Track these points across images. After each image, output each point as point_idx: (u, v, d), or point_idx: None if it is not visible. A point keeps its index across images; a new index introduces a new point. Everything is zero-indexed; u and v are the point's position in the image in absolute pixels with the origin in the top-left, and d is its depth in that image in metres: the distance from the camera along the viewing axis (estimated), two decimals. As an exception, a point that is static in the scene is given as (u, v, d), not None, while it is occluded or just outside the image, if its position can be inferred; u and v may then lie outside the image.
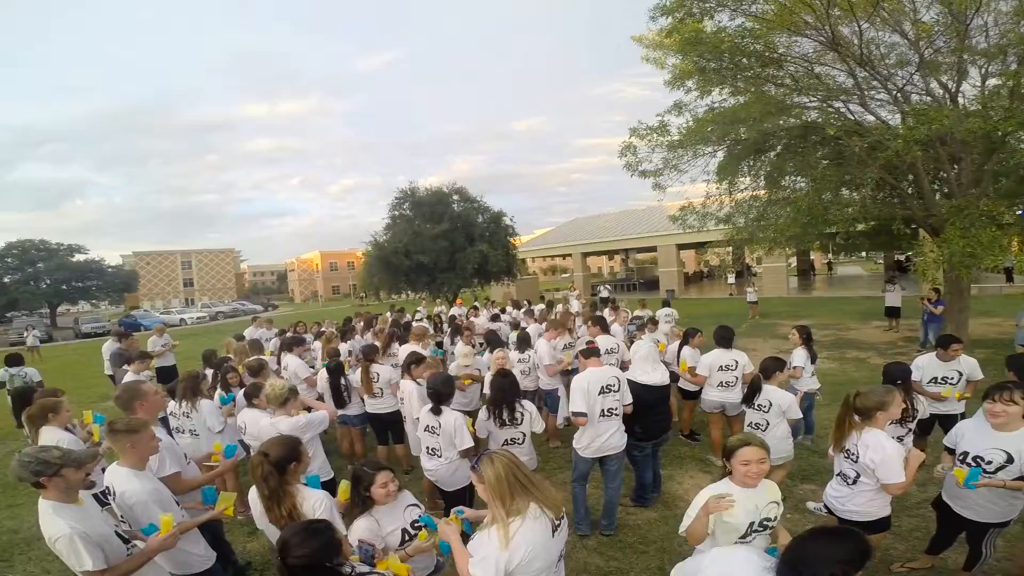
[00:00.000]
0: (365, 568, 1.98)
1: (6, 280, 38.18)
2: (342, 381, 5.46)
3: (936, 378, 4.56)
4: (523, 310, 10.72)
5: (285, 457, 2.50)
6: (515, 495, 1.95)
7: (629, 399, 4.02)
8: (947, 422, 4.34)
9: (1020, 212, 9.00)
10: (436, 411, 3.66)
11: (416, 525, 2.55)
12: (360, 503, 2.48)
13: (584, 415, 3.79)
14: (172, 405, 4.56)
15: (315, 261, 72.07)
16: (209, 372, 5.93)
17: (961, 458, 2.96)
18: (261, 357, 5.98)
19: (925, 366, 4.61)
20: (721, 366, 5.25)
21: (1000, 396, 2.80)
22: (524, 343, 6.37)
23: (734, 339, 5.49)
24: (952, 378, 4.51)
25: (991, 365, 8.34)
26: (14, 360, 7.25)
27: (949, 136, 7.91)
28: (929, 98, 8.90)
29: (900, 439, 3.63)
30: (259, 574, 3.91)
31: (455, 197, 22.63)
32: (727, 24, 9.05)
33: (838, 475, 3.03)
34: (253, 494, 2.55)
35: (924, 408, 3.99)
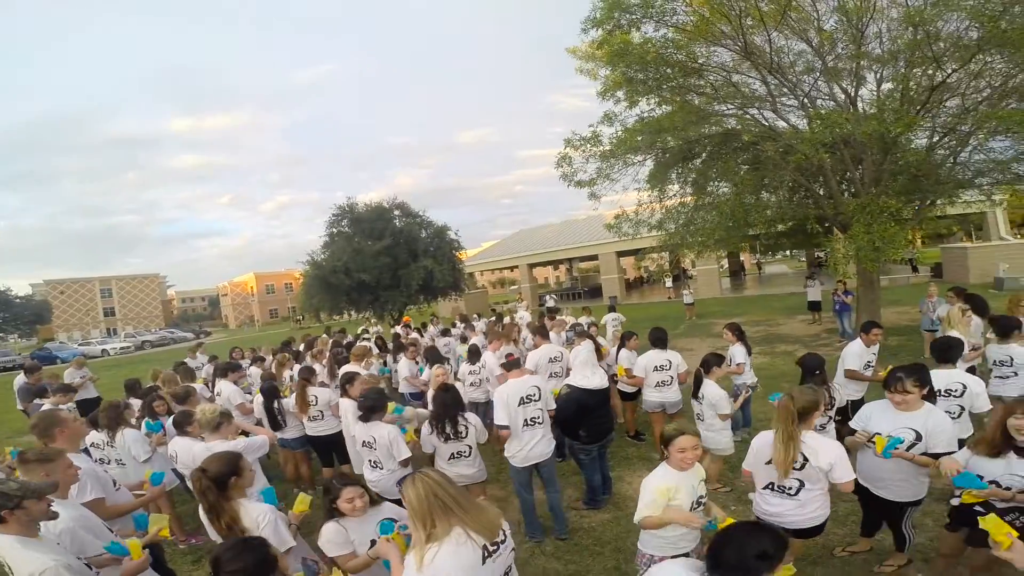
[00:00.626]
0: None
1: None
2: (275, 404, 5.36)
3: (869, 363, 4.92)
4: (464, 325, 10.69)
5: (224, 472, 2.53)
6: (436, 518, 1.83)
7: (551, 405, 4.11)
8: (858, 406, 4.45)
9: (917, 207, 9.92)
10: (366, 419, 3.67)
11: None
12: (328, 514, 2.49)
13: (507, 427, 3.85)
14: (94, 436, 4.36)
15: (249, 284, 68.70)
16: (134, 401, 5.75)
17: (871, 439, 3.00)
18: (189, 385, 5.70)
19: (859, 353, 4.92)
20: (656, 366, 5.41)
21: (895, 387, 2.99)
22: (475, 356, 6.38)
23: (669, 340, 5.71)
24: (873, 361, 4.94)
25: (904, 351, 9.13)
26: None
27: (851, 138, 8.60)
28: (832, 103, 9.69)
29: (822, 427, 3.70)
30: None
31: (396, 212, 22.33)
32: (652, 35, 9.51)
33: (771, 489, 2.89)
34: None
35: (840, 396, 4.21)
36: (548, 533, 4.22)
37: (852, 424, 3.28)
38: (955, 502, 2.73)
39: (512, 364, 4.15)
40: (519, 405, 3.86)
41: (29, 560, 2.02)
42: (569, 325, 8.70)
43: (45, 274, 70.23)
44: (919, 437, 2.91)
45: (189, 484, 4.05)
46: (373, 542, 2.46)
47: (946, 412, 3.18)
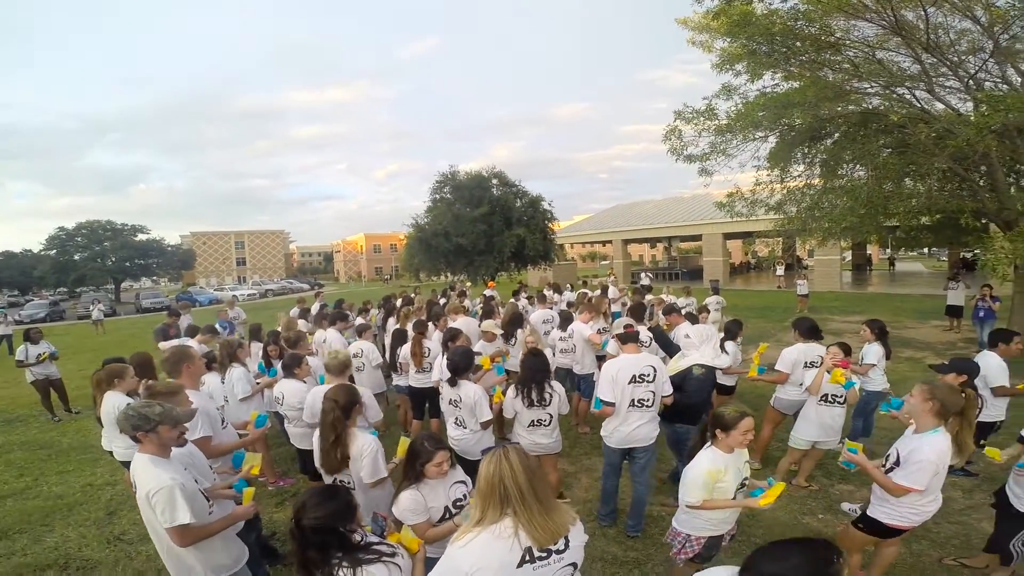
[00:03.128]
0: (375, 538, 1.98)
1: (76, 257, 41.04)
2: (398, 351, 5.77)
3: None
4: (525, 296, 10.49)
5: (351, 401, 2.78)
6: (491, 504, 1.70)
7: (668, 389, 3.80)
8: (986, 430, 4.29)
9: None
10: (453, 383, 3.72)
11: (458, 504, 2.53)
12: (413, 476, 2.46)
13: (611, 404, 3.65)
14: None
15: (359, 243, 73.85)
16: (256, 344, 6.24)
17: None
18: (300, 331, 6.15)
19: (1003, 366, 4.36)
20: (808, 362, 4.63)
21: None
22: (566, 322, 6.36)
23: (775, 334, 5.27)
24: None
25: None
26: (34, 337, 7.85)
27: (1025, 125, 7.25)
28: (1006, 86, 8.18)
29: None
30: (283, 545, 3.99)
31: (494, 181, 22.69)
32: (779, 6, 8.54)
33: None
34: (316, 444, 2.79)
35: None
36: (616, 520, 4.08)
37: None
38: None
39: (629, 337, 3.83)
40: (629, 383, 3.62)
41: (152, 477, 2.20)
42: (665, 303, 8.29)
43: (191, 228, 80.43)
44: None
45: (287, 426, 4.43)
46: (446, 507, 2.50)
47: None
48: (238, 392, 4.57)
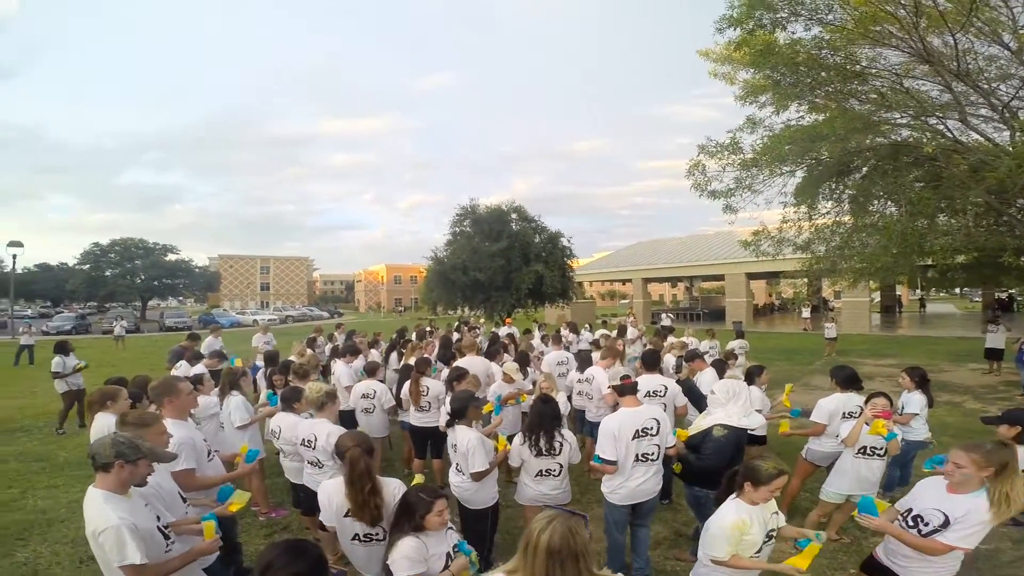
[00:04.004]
0: None
1: (108, 273, 42.57)
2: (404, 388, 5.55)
3: None
4: (541, 335, 10.25)
5: (371, 448, 2.60)
6: (526, 566, 1.63)
7: (672, 441, 3.60)
8: None
9: None
10: (449, 425, 3.57)
11: (456, 549, 2.45)
12: (411, 529, 2.35)
13: (613, 462, 3.38)
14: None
15: (381, 274, 74.93)
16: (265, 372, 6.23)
17: None
18: (309, 363, 6.02)
19: None
20: (846, 412, 4.33)
21: None
22: (584, 363, 6.05)
23: (801, 378, 4.90)
24: None
25: None
26: (64, 348, 7.97)
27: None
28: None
29: None
30: None
31: (513, 215, 22.71)
32: (802, 35, 8.46)
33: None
34: (327, 493, 2.59)
35: None
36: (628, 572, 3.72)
37: None
38: None
39: (627, 389, 3.60)
40: (633, 439, 3.39)
41: (99, 515, 2.08)
42: (687, 348, 7.84)
43: (219, 250, 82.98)
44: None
45: (282, 460, 4.26)
46: (447, 554, 2.38)
47: None
48: (235, 420, 4.47)
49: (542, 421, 3.53)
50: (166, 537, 2.30)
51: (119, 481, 2.18)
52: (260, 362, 8.07)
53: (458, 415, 3.52)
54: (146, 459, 2.23)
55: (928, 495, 2.67)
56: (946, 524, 2.51)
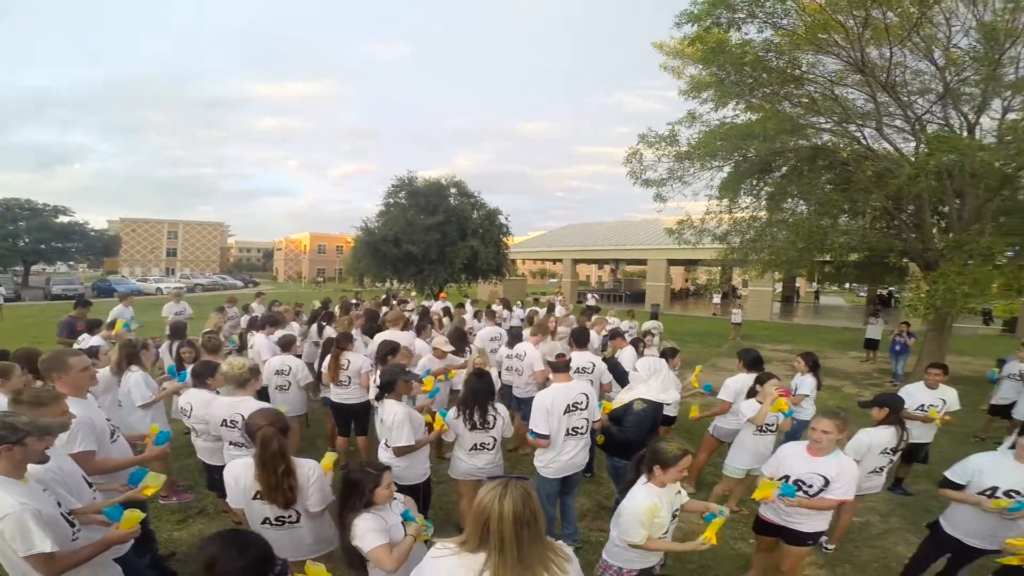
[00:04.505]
0: None
1: (-14, 236, 37.28)
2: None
3: (922, 405, 4.83)
4: (475, 311, 10.32)
5: (285, 427, 2.47)
6: (474, 533, 1.64)
7: (597, 415, 3.79)
8: (919, 449, 4.92)
9: (1010, 253, 9.04)
10: (378, 399, 3.53)
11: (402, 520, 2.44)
12: (361, 505, 2.30)
13: (546, 436, 3.52)
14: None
15: (303, 242, 70.97)
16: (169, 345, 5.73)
17: (988, 493, 2.96)
18: (218, 338, 5.55)
19: (912, 394, 4.85)
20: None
21: None
22: (514, 339, 6.14)
23: (709, 359, 5.31)
24: (936, 405, 4.80)
25: (963, 401, 8.49)
26: None
27: (957, 169, 7.87)
28: (947, 128, 8.87)
29: (881, 469, 3.90)
30: (183, 564, 3.57)
31: (453, 190, 22.30)
32: (754, 37, 8.94)
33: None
34: (233, 474, 2.45)
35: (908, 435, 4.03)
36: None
37: (952, 476, 3.15)
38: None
39: (560, 366, 3.73)
40: (564, 413, 3.54)
41: None
42: (609, 327, 8.23)
43: (124, 214, 74.72)
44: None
45: (194, 440, 4.01)
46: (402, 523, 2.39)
47: None
48: (135, 399, 4.03)
49: (476, 396, 3.58)
50: (71, 524, 2.09)
51: (11, 464, 1.95)
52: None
53: (387, 388, 3.48)
54: (33, 435, 1.98)
55: (797, 462, 3.09)
56: (827, 484, 2.96)
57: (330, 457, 2.78)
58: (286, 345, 5.44)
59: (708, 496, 4.46)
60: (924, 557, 3.40)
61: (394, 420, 3.33)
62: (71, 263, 48.43)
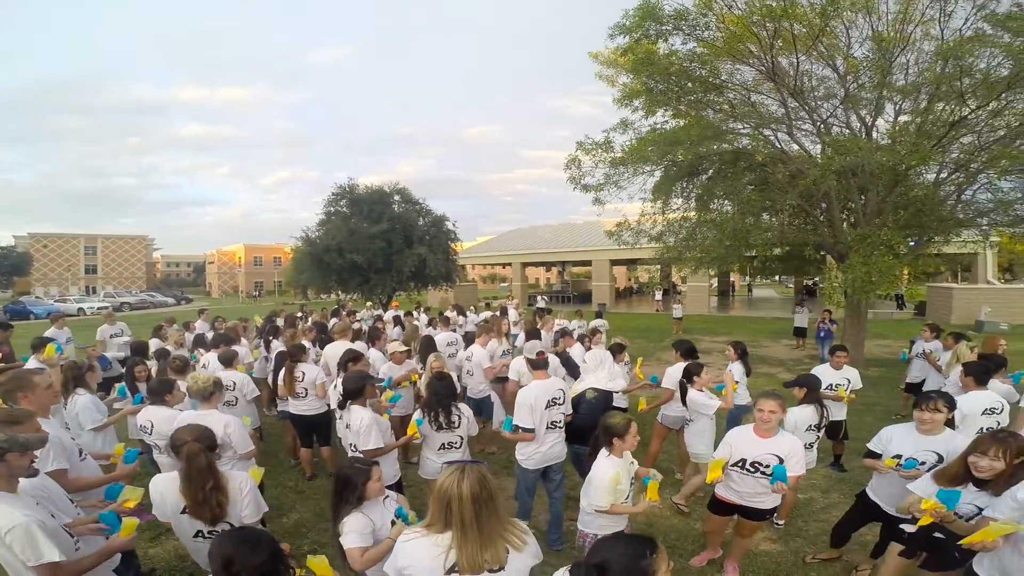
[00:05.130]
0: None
1: None
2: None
3: (831, 385, 5.26)
4: (429, 318, 10.59)
5: (214, 442, 2.49)
6: (438, 514, 1.79)
7: (569, 408, 4.05)
8: (837, 425, 5.31)
9: (912, 243, 10.08)
10: (342, 406, 3.63)
11: (399, 514, 2.51)
12: (354, 501, 2.37)
13: (531, 431, 3.76)
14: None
15: (238, 254, 67.74)
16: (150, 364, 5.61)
17: (896, 458, 3.21)
18: (185, 356, 5.48)
19: (822, 374, 5.21)
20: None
21: (926, 406, 3.15)
22: (472, 342, 6.39)
23: (654, 353, 5.67)
24: (843, 384, 5.28)
25: (884, 382, 9.43)
26: None
27: (860, 168, 8.67)
28: (848, 131, 9.77)
29: (810, 445, 4.11)
30: None
31: (396, 197, 22.01)
32: (679, 48, 9.57)
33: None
34: (159, 489, 2.43)
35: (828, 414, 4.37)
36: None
37: (871, 447, 3.45)
38: (910, 528, 2.89)
39: (540, 363, 3.98)
40: (546, 408, 3.79)
41: (1, 515, 1.91)
42: (558, 327, 8.60)
43: (34, 228, 68.48)
44: (940, 459, 3.07)
45: (156, 456, 3.91)
46: (392, 521, 2.45)
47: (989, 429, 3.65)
48: (84, 422, 3.93)
49: (439, 398, 3.72)
50: (71, 535, 2.13)
51: (12, 473, 1.98)
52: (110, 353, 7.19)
53: (353, 396, 3.57)
54: (13, 451, 1.98)
55: (748, 445, 3.29)
56: (782, 462, 3.16)
57: (256, 472, 2.88)
58: (227, 360, 5.34)
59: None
60: (849, 522, 3.69)
61: (361, 425, 3.44)
62: (-25, 284, 44.08)
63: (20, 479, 2.06)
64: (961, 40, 8.08)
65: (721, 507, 3.54)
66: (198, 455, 2.34)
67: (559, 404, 3.89)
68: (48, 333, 7.74)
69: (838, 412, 5.29)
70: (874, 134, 9.71)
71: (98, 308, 33.25)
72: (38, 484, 2.23)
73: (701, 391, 4.40)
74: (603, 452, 3.03)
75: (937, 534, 2.75)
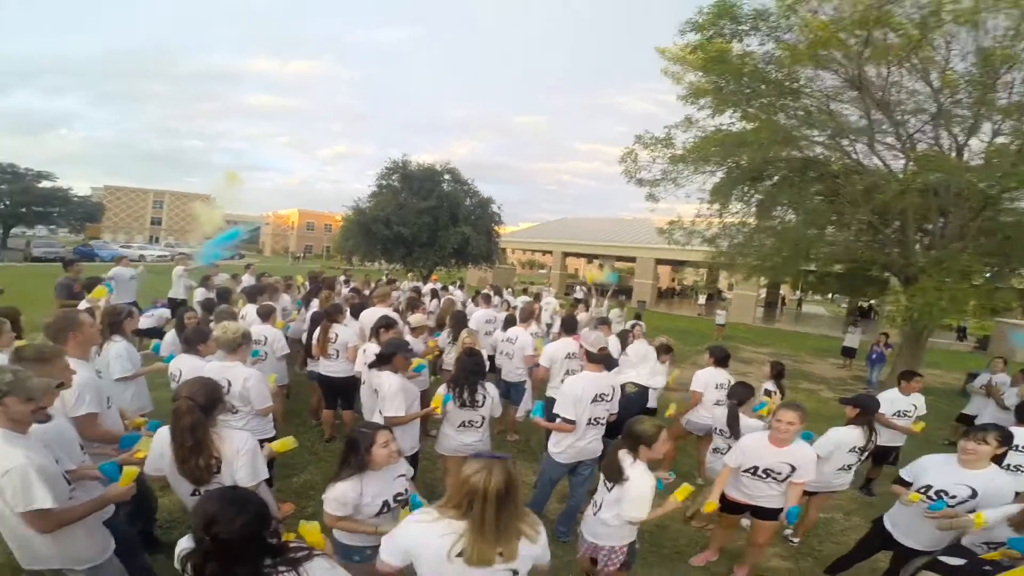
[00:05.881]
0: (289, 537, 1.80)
1: (-36, 198, 36.42)
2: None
3: (899, 411, 4.96)
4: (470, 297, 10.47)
5: (213, 399, 2.34)
6: (457, 503, 1.74)
7: (616, 408, 3.86)
8: (888, 452, 5.12)
9: (988, 274, 9.29)
10: (373, 367, 3.60)
11: (399, 498, 2.43)
12: (357, 466, 2.30)
13: (572, 422, 3.59)
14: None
15: (292, 218, 70.20)
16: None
17: (923, 490, 3.05)
18: (233, 310, 5.52)
19: (892, 399, 4.96)
20: (717, 384, 4.91)
21: (975, 435, 2.98)
22: (510, 323, 6.28)
23: (691, 356, 5.44)
24: (910, 410, 4.98)
25: (934, 411, 8.81)
26: None
27: (943, 187, 8.02)
28: (936, 148, 9.00)
29: (849, 467, 3.91)
30: (165, 532, 3.57)
31: (446, 176, 22.21)
32: (755, 49, 9.03)
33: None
34: (160, 442, 2.34)
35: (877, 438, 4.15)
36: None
37: (903, 474, 3.28)
38: (954, 560, 2.78)
39: (598, 357, 3.71)
40: (592, 402, 3.61)
41: (2, 454, 1.89)
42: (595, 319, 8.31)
43: (110, 181, 73.22)
44: (974, 494, 2.93)
45: None
46: (385, 501, 2.37)
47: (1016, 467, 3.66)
48: (114, 371, 3.76)
49: (467, 374, 3.63)
50: (68, 483, 2.09)
51: (7, 419, 1.94)
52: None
53: (385, 360, 3.53)
54: (13, 395, 1.93)
55: (762, 453, 3.27)
56: (794, 470, 3.21)
57: (286, 442, 2.80)
58: (265, 315, 5.29)
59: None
60: (860, 549, 3.58)
61: (389, 390, 3.40)
62: (52, 227, 47.53)
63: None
64: None
65: (731, 506, 3.52)
66: (184, 414, 2.21)
67: (606, 400, 3.70)
68: (112, 272, 8.04)
69: (895, 438, 5.05)
70: (965, 154, 8.90)
71: (157, 256, 35.29)
72: (52, 426, 2.20)
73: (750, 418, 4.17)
74: (628, 461, 2.77)
75: (986, 567, 2.64)
